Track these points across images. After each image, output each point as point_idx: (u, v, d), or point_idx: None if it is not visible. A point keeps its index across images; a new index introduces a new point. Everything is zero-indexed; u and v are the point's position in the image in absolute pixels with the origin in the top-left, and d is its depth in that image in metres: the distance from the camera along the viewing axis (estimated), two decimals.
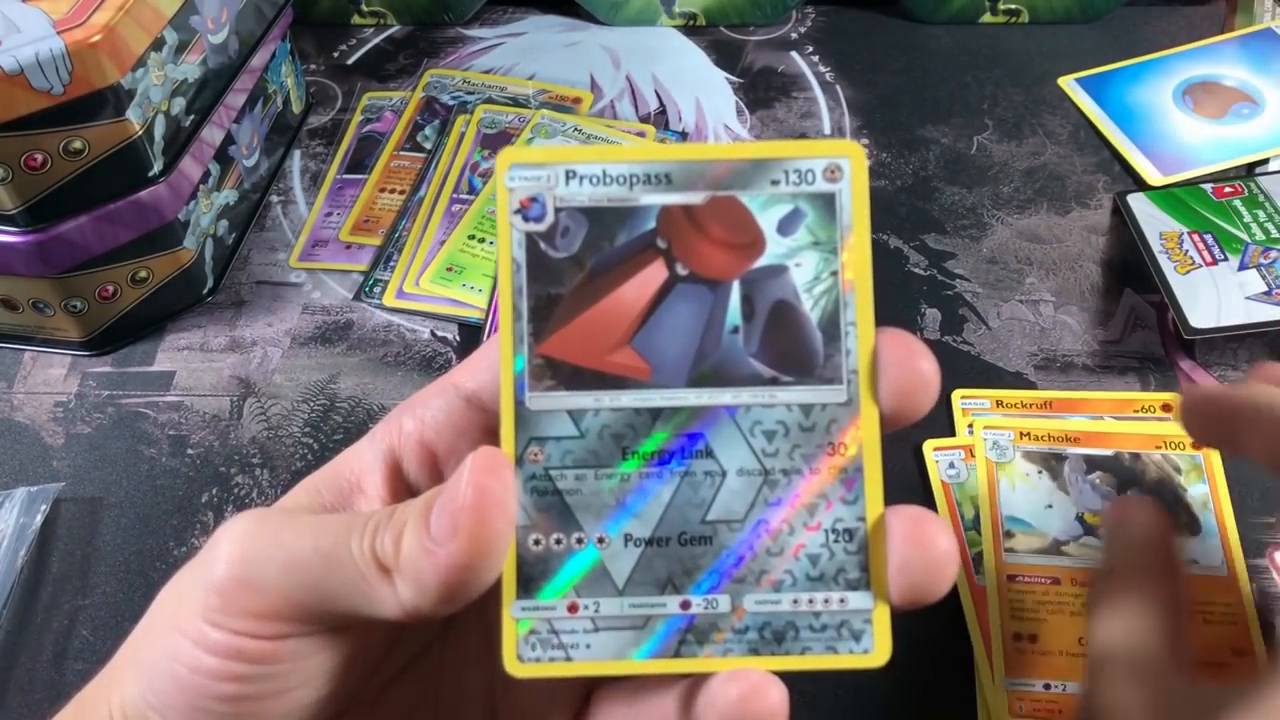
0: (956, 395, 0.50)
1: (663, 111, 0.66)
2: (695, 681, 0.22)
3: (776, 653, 0.22)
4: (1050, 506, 0.45)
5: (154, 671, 0.22)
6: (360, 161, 0.63)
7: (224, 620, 0.22)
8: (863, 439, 0.22)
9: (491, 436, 0.23)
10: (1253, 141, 0.61)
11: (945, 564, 0.21)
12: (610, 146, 0.27)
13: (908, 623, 0.42)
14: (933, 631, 0.42)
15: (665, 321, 0.22)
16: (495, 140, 0.63)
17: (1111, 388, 0.50)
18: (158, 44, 0.47)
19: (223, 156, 0.55)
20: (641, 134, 0.64)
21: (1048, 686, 0.40)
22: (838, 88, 0.68)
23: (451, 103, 0.66)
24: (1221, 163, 0.60)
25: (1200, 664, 0.40)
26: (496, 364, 0.22)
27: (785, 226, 0.22)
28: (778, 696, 0.21)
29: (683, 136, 0.65)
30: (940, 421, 0.49)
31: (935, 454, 0.47)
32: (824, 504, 0.22)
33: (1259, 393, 0.28)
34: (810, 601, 0.22)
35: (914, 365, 0.22)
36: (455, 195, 0.60)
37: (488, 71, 0.70)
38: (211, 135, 0.53)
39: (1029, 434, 0.47)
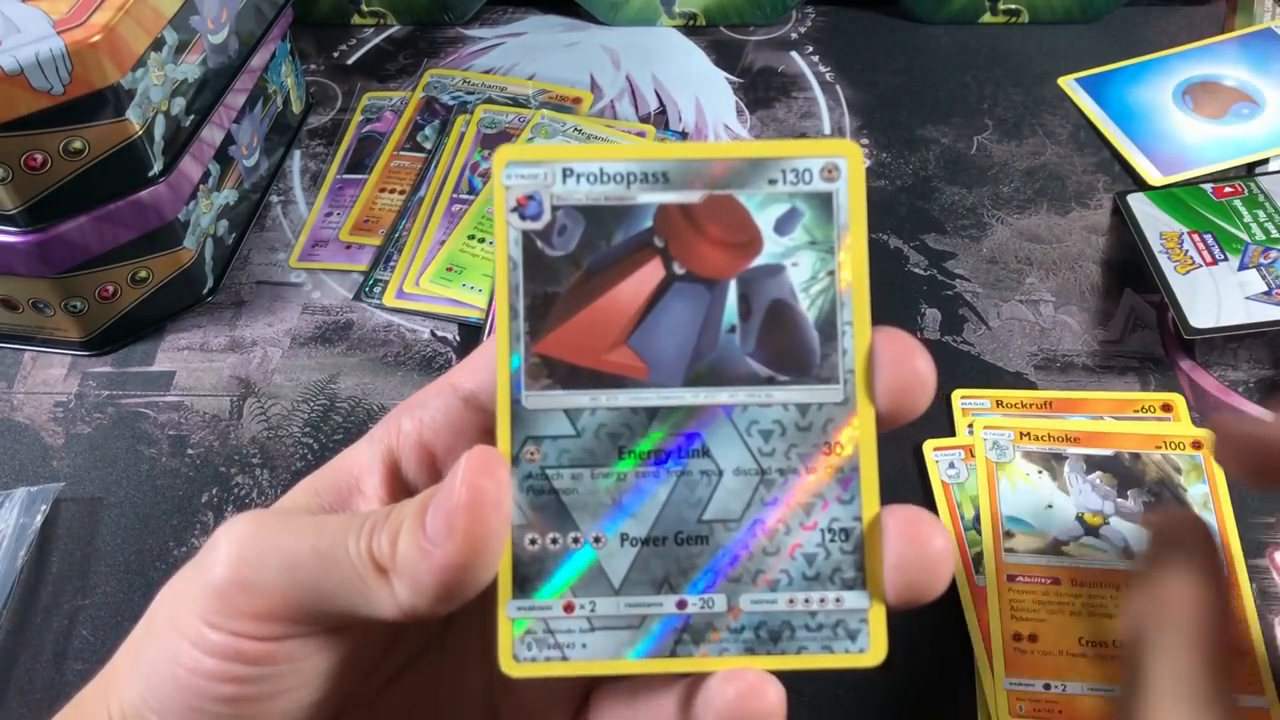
0: (956, 395, 0.50)
1: (663, 111, 0.66)
2: (694, 681, 0.22)
3: (772, 652, 0.22)
4: (1050, 506, 0.45)
5: (153, 673, 0.22)
6: (360, 161, 0.63)
7: (223, 622, 0.22)
8: (859, 439, 0.22)
9: (490, 437, 0.23)
10: (1253, 141, 0.61)
11: (941, 563, 0.21)
12: (607, 145, 0.27)
13: (908, 623, 0.42)
14: (933, 631, 0.42)
15: (662, 320, 0.22)
16: (495, 140, 0.63)
17: (1111, 388, 0.50)
18: (158, 44, 0.47)
19: (223, 156, 0.55)
20: (641, 134, 0.64)
21: (1048, 686, 0.40)
22: (838, 88, 0.68)
23: (451, 103, 0.66)
24: (1221, 163, 0.60)
25: None
26: (494, 363, 0.22)
27: (782, 226, 0.22)
28: (775, 696, 0.21)
29: (683, 136, 0.65)
30: (940, 421, 0.49)
31: (935, 454, 0.47)
32: (820, 503, 0.22)
33: None
34: (806, 601, 0.22)
35: (910, 364, 0.22)
36: (455, 195, 0.60)
37: (488, 71, 0.70)
38: (211, 135, 0.53)
39: (1029, 434, 0.47)
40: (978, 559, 0.44)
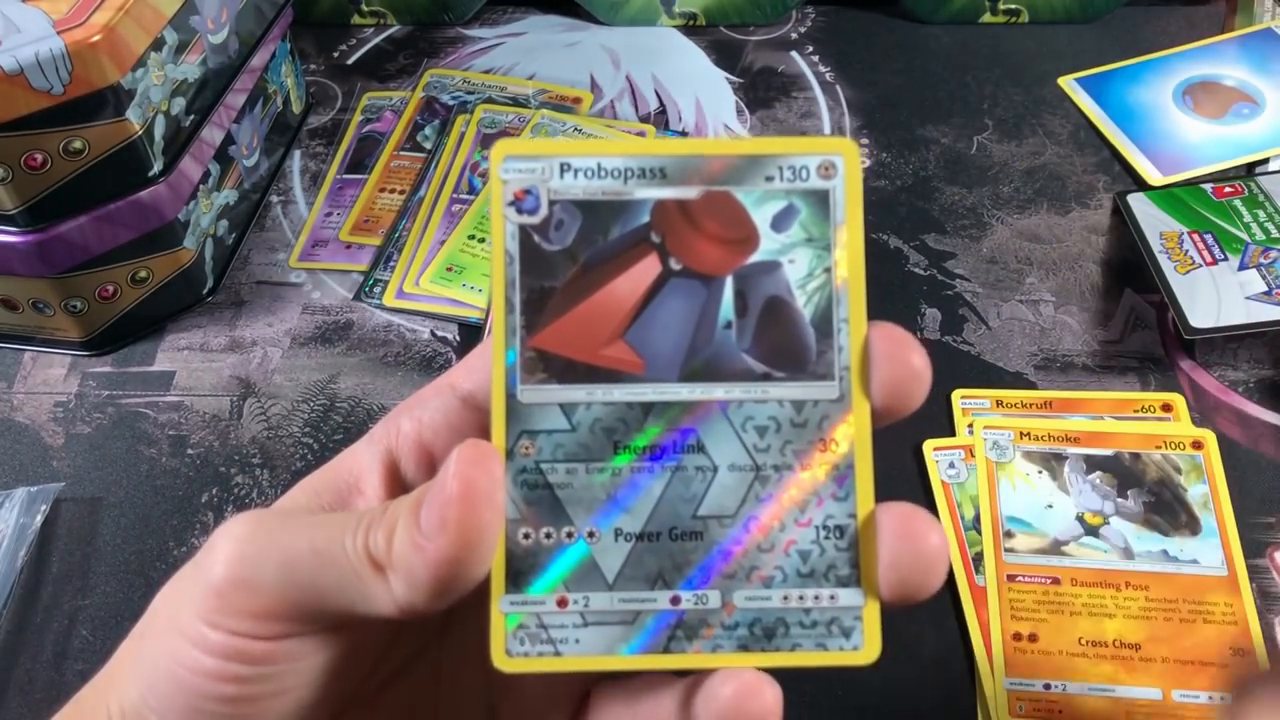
0: (956, 395, 0.50)
1: (663, 111, 0.66)
2: (693, 682, 0.22)
3: (766, 649, 0.22)
4: (1050, 506, 0.45)
5: (153, 672, 0.22)
6: (360, 161, 0.63)
7: (222, 621, 0.22)
8: (854, 435, 0.22)
9: (489, 436, 0.23)
10: (1253, 141, 0.61)
11: (936, 560, 0.21)
12: (605, 140, 0.27)
13: (908, 623, 0.42)
14: (933, 631, 0.42)
15: (658, 316, 0.22)
16: (495, 140, 0.63)
17: (1111, 388, 0.50)
18: (158, 44, 0.47)
19: (223, 156, 0.55)
20: (641, 134, 0.64)
21: (1048, 686, 0.40)
22: (838, 88, 0.68)
23: (451, 103, 0.67)
24: (1221, 163, 0.60)
25: (1200, 664, 0.40)
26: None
27: (779, 223, 0.22)
28: (772, 696, 0.21)
29: (683, 136, 0.65)
30: (940, 421, 0.49)
31: (935, 454, 0.47)
32: (815, 500, 0.22)
33: None
34: (800, 598, 0.22)
35: (905, 359, 0.22)
36: (455, 195, 0.60)
37: (488, 71, 0.70)
38: (211, 135, 0.53)
39: (1029, 434, 0.47)
40: (978, 559, 0.44)
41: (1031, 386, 0.51)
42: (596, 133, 0.63)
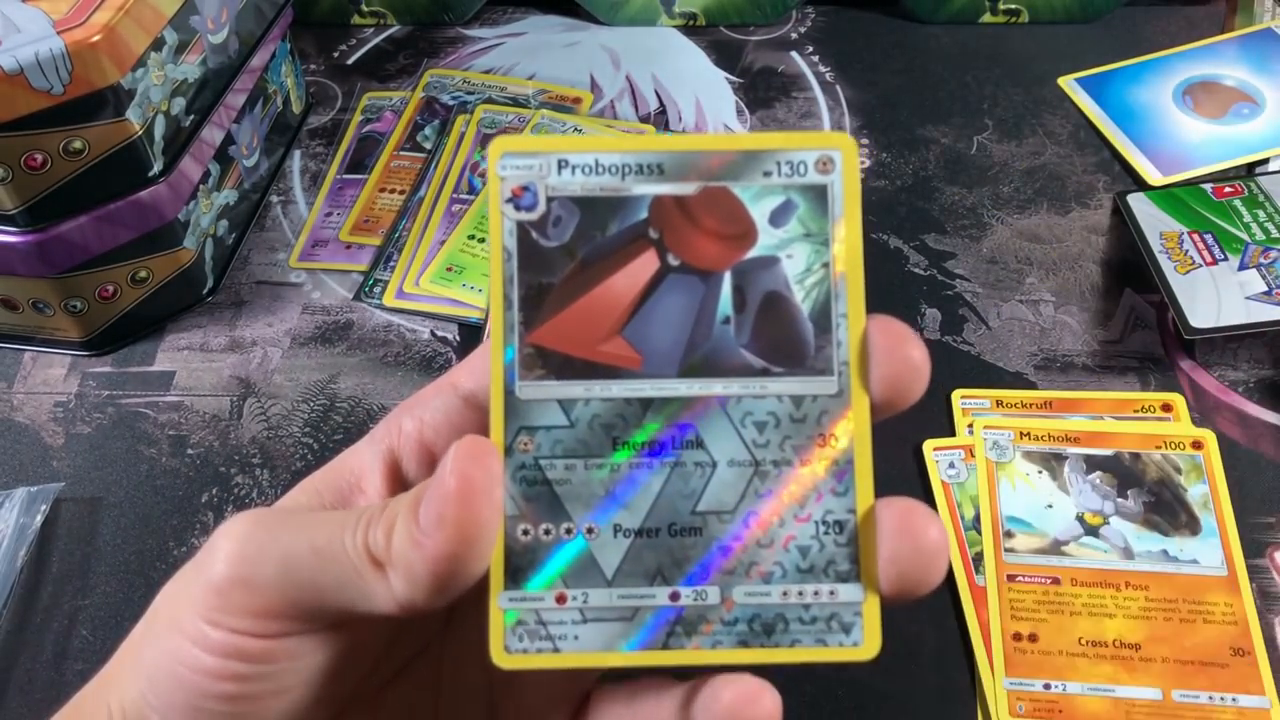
0: (956, 395, 0.49)
1: (663, 111, 0.66)
2: (693, 686, 0.22)
3: (766, 645, 0.22)
4: (1050, 506, 0.45)
5: (154, 671, 0.22)
6: (360, 161, 0.63)
7: (223, 619, 0.22)
8: (853, 431, 0.22)
9: (489, 434, 0.23)
10: (1253, 141, 0.61)
11: (936, 555, 0.21)
12: (603, 136, 0.26)
13: (908, 623, 0.42)
14: (933, 631, 0.42)
15: (656, 312, 0.22)
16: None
17: (1111, 388, 0.50)
18: (158, 44, 0.47)
19: (223, 156, 0.55)
20: (641, 134, 0.64)
21: (1048, 686, 0.40)
22: (838, 88, 0.68)
23: (451, 103, 0.67)
24: (1221, 163, 0.60)
25: (1200, 664, 0.40)
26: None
27: (777, 218, 0.22)
28: (771, 702, 0.21)
29: None
30: (940, 421, 0.49)
31: (935, 454, 0.47)
32: (814, 496, 0.22)
33: None
34: (800, 594, 0.22)
35: (904, 353, 0.22)
36: (455, 195, 0.60)
37: (488, 71, 0.70)
38: (211, 135, 0.53)
39: (1029, 434, 0.47)
40: (978, 559, 0.44)
41: (1031, 386, 0.51)
42: (596, 132, 0.63)
